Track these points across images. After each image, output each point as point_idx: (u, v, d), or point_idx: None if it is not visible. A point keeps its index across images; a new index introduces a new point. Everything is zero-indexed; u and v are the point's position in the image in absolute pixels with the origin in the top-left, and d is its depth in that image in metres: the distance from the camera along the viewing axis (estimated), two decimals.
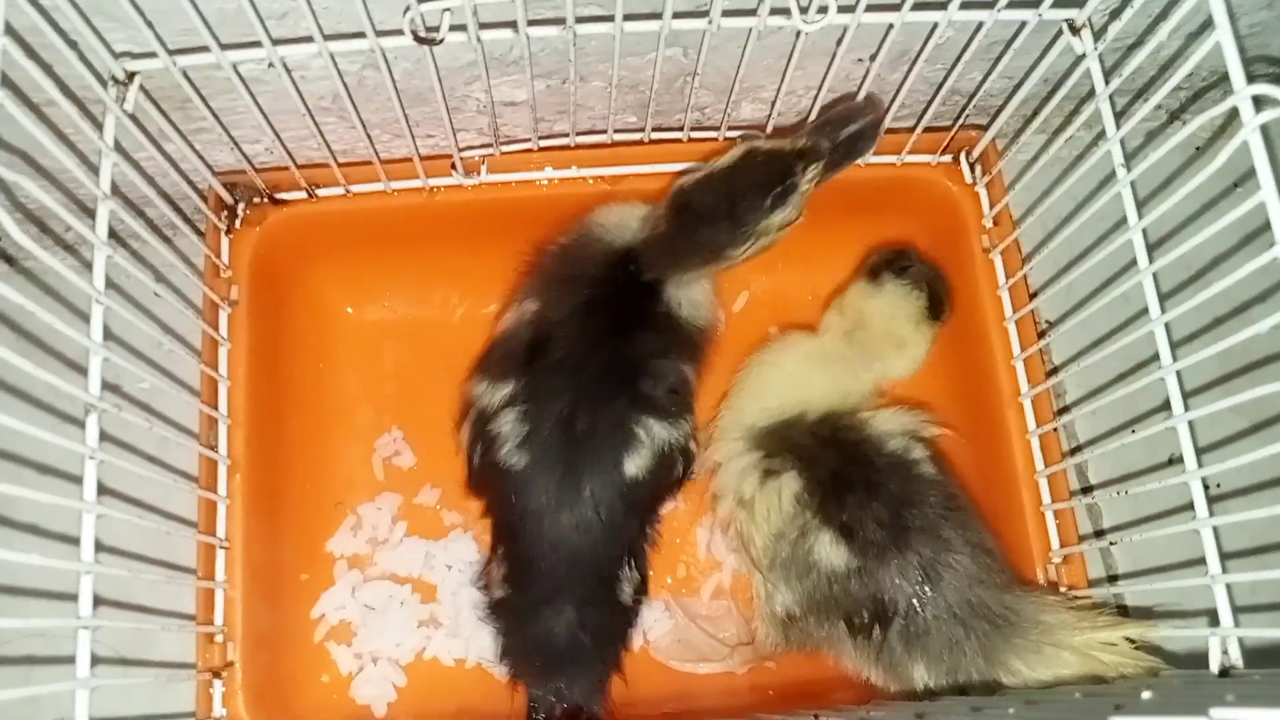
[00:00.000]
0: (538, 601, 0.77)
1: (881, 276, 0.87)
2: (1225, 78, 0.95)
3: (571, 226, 0.85)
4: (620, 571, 0.79)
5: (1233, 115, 0.98)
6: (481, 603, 0.82)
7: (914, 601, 0.74)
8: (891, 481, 0.77)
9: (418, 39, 0.64)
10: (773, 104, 0.83)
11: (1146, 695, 0.45)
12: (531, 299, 0.83)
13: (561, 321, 0.80)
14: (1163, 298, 0.68)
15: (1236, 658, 0.60)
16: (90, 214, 0.64)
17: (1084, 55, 0.70)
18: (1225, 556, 0.64)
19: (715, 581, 0.90)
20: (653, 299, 0.81)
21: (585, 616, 0.77)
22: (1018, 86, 0.80)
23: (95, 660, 0.58)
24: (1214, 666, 0.61)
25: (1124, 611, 0.86)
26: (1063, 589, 0.80)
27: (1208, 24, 0.77)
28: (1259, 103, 0.56)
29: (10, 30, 0.54)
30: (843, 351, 0.85)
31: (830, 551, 0.75)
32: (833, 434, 0.79)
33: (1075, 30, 0.70)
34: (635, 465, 0.77)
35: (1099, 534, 0.93)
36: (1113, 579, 0.92)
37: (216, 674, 0.75)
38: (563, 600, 0.77)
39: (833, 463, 0.78)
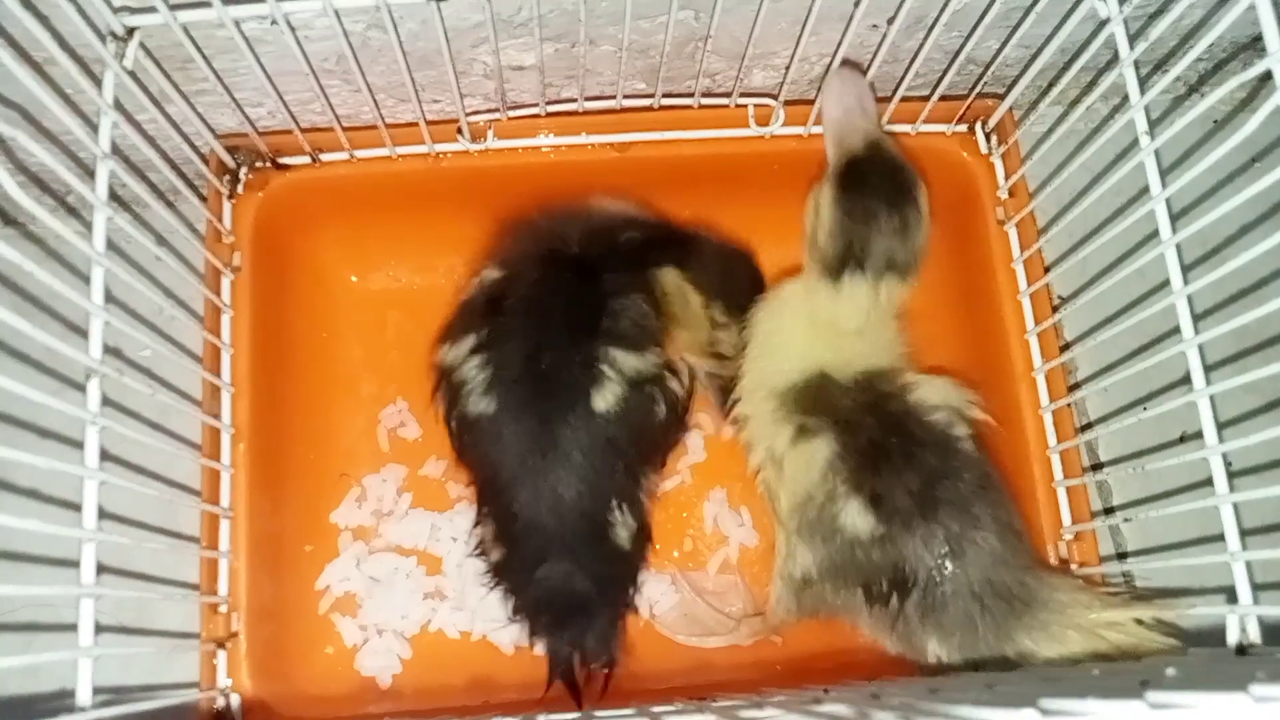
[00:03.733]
0: (532, 555, 0.75)
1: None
2: (1246, 48, 0.94)
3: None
4: (610, 515, 0.77)
5: (1256, 89, 0.97)
6: (482, 568, 0.80)
7: (934, 574, 0.73)
8: (930, 455, 0.74)
9: None
10: (786, 70, 0.81)
11: (1171, 672, 0.45)
12: (492, 267, 0.82)
13: (520, 273, 0.79)
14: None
15: (1255, 636, 0.60)
16: (92, 176, 0.62)
17: (1107, 20, 0.69)
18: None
19: (722, 556, 0.89)
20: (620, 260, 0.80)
21: (582, 563, 0.75)
22: (1036, 54, 0.79)
23: (98, 629, 0.57)
24: (1232, 644, 0.60)
25: (1133, 589, 0.85)
26: (1074, 566, 0.80)
27: None
28: None
29: None
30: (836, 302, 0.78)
31: (857, 519, 0.74)
32: (875, 400, 0.76)
33: None
34: (605, 400, 0.75)
35: (1108, 511, 0.92)
36: (1121, 556, 0.91)
37: (221, 644, 0.74)
38: (556, 550, 0.75)
39: (873, 431, 0.75)
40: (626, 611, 0.79)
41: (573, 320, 0.77)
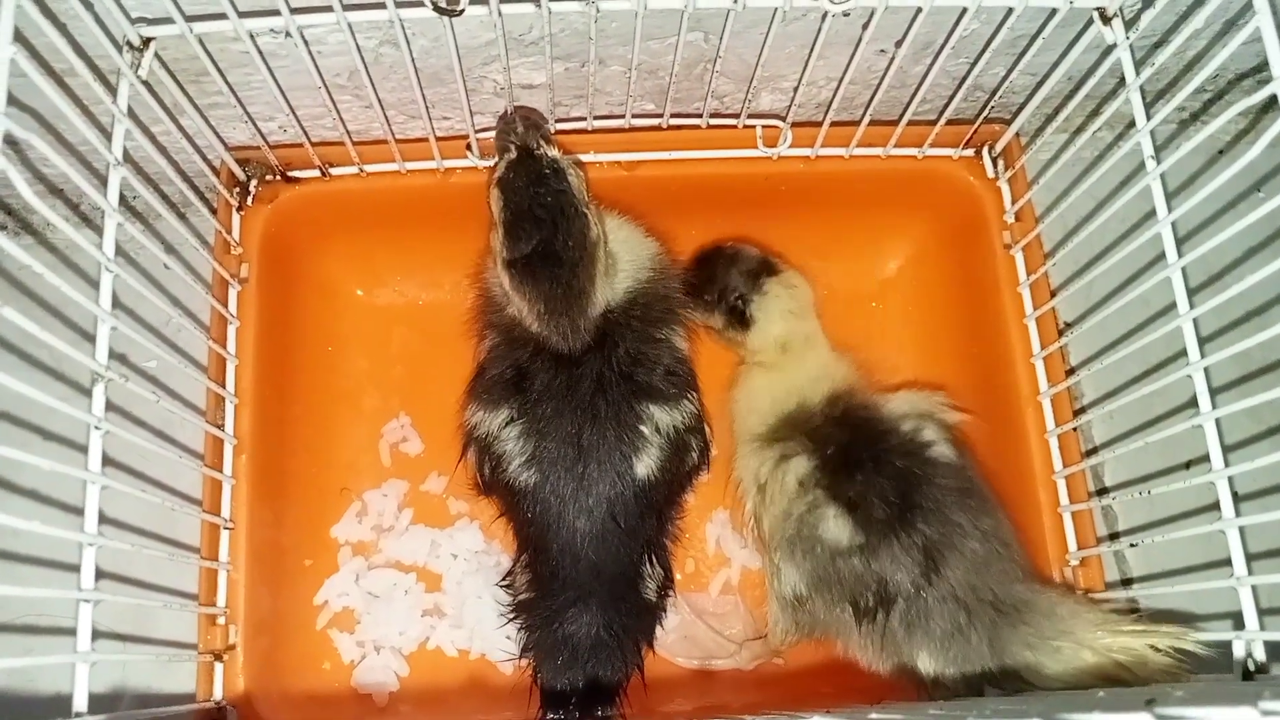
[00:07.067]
0: (562, 606, 0.76)
1: (761, 283, 0.86)
2: (1246, 75, 0.95)
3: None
4: (643, 569, 0.78)
5: (1257, 119, 0.98)
6: (507, 601, 0.81)
7: (916, 583, 0.73)
8: (901, 459, 0.76)
9: (437, 9, 0.63)
10: (794, 93, 0.82)
11: (1179, 695, 0.44)
12: (490, 334, 0.82)
13: (532, 356, 0.78)
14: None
15: (1262, 659, 0.59)
16: (105, 184, 0.63)
17: (1114, 45, 0.69)
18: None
19: (724, 578, 0.89)
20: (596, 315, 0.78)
21: (610, 618, 0.76)
22: (1042, 81, 0.79)
23: (96, 635, 0.57)
24: (1238, 669, 0.60)
25: (1138, 611, 0.84)
26: (1079, 592, 0.79)
27: (1241, 15, 0.76)
28: None
29: None
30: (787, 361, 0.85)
31: (834, 526, 0.75)
32: (844, 412, 0.79)
33: (1106, 20, 0.69)
34: (646, 465, 0.76)
35: (1114, 536, 0.91)
36: (1126, 582, 0.90)
37: (218, 656, 0.73)
38: (588, 604, 0.76)
39: (841, 438, 0.77)
40: (636, 668, 0.79)
41: (608, 390, 0.76)
